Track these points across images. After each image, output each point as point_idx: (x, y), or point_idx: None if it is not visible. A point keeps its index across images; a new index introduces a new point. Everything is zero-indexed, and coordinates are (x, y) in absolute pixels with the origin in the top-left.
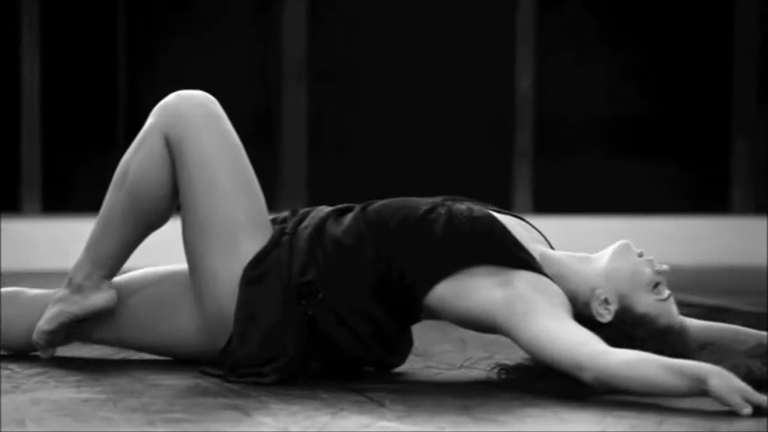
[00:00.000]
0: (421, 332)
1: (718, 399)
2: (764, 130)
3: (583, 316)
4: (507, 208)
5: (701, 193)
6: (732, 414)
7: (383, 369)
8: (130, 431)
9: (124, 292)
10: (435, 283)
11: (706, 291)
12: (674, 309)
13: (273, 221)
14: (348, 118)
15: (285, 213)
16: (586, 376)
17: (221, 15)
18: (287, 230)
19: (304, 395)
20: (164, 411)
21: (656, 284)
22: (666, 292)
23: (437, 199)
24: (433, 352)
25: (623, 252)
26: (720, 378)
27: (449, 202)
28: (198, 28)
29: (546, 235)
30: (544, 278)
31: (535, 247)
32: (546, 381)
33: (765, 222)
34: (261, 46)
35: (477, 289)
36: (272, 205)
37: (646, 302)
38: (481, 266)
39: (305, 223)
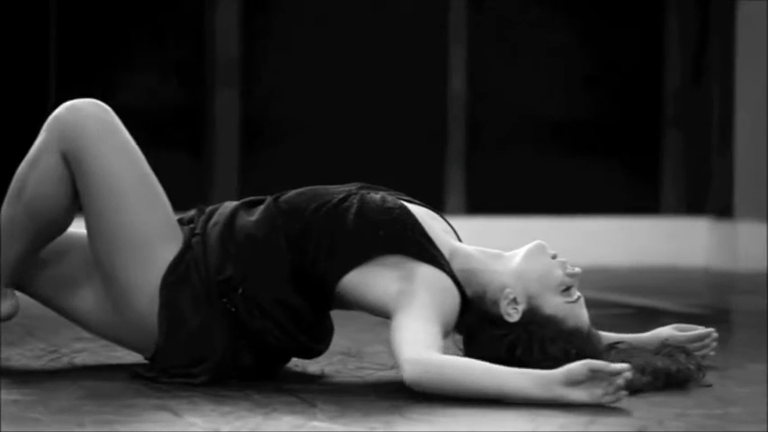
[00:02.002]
0: (353, 333)
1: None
2: (695, 133)
3: (491, 314)
4: (440, 209)
5: (634, 193)
6: (661, 414)
7: (309, 357)
8: None
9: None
10: (345, 273)
11: (638, 291)
12: (583, 311)
13: (180, 222)
14: (281, 118)
15: (191, 213)
16: (407, 368)
17: (153, 16)
18: (197, 231)
19: (235, 396)
20: (94, 412)
21: (568, 287)
22: (576, 295)
23: (352, 187)
24: (365, 352)
25: (536, 252)
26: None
27: (363, 191)
28: (128, 29)
29: (477, 235)
30: (446, 278)
31: (446, 241)
32: None
33: (696, 222)
34: (193, 46)
35: (380, 279)
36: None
37: (554, 304)
38: (389, 256)
39: (213, 220)
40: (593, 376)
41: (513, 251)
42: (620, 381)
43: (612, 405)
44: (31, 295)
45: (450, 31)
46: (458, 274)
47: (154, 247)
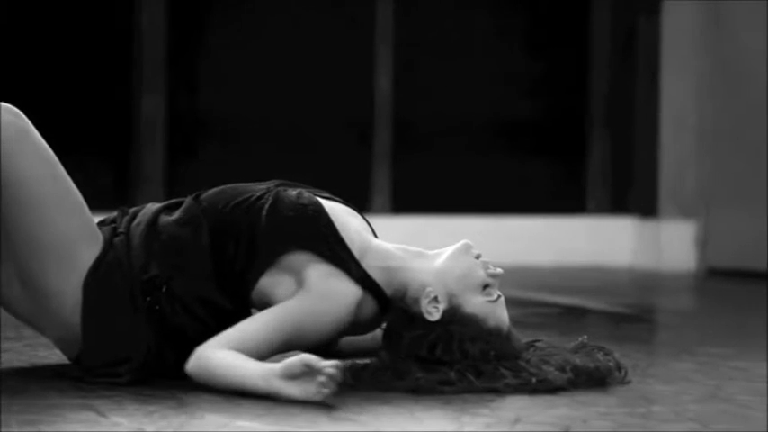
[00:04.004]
0: None
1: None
2: (620, 134)
3: (412, 313)
4: (366, 208)
5: (560, 193)
6: (586, 413)
7: None
8: None
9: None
10: (261, 275)
11: (564, 290)
12: (503, 311)
13: (102, 223)
14: (208, 118)
15: (113, 215)
16: (190, 360)
17: (80, 16)
18: (120, 230)
19: (160, 395)
20: (20, 412)
21: (486, 286)
22: (496, 294)
23: (271, 184)
24: (289, 353)
25: (461, 252)
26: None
27: (280, 188)
28: (57, 30)
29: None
30: (346, 280)
31: (361, 238)
32: (403, 379)
33: (621, 222)
34: (121, 46)
35: (281, 286)
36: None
37: (475, 303)
38: (296, 254)
39: (137, 221)
40: (309, 371)
41: (437, 250)
42: (322, 378)
43: (322, 400)
44: None
45: (376, 31)
46: (375, 272)
47: (74, 251)
